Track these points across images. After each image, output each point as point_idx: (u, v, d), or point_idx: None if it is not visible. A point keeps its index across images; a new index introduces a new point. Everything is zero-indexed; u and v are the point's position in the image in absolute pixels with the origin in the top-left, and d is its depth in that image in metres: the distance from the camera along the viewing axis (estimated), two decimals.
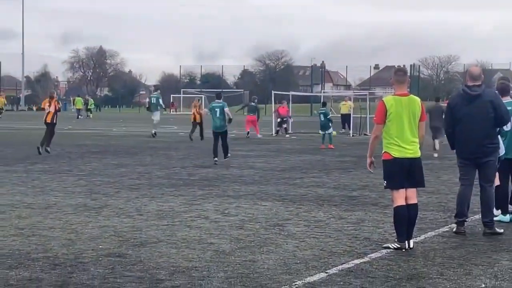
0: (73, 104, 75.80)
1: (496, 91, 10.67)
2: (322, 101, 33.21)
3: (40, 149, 23.03)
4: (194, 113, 32.35)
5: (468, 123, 10.04)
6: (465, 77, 10.50)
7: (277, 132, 37.66)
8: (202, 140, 30.29)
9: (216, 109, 20.90)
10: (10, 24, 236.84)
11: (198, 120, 32.06)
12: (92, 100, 73.12)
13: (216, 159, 20.45)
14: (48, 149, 23.30)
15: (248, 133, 35.45)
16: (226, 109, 21.00)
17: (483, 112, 9.97)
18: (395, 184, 9.05)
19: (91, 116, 65.30)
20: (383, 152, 9.15)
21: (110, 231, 9.97)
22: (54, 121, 23.96)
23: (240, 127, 36.70)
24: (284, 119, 37.94)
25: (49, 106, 24.06)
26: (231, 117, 21.38)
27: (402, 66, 11.11)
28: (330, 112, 32.32)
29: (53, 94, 25.44)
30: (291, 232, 10.04)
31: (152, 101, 36.10)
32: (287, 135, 36.82)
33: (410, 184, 9.10)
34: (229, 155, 20.70)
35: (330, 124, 28.22)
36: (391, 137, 9.03)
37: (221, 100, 21.40)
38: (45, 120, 23.90)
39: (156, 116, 35.35)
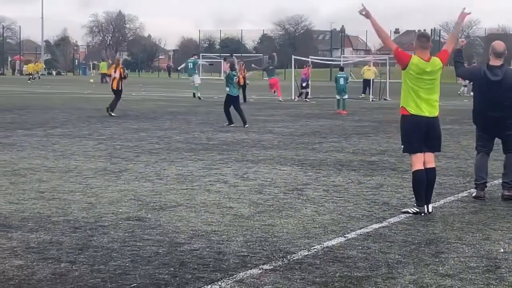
0: (93, 68, 75.87)
1: None
2: (340, 65, 32.81)
3: (111, 113, 24.29)
4: (239, 77, 33.36)
5: (487, 101, 9.94)
6: (488, 50, 10.27)
7: (300, 94, 37.46)
8: (245, 102, 32.01)
9: (233, 77, 22.08)
10: None
11: (242, 83, 33.02)
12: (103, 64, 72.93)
13: (233, 124, 21.20)
14: (112, 113, 24.35)
15: (276, 95, 36.60)
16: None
17: (502, 94, 9.86)
18: (413, 148, 9.01)
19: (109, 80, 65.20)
20: (400, 106, 9.09)
21: (130, 195, 10.02)
22: (120, 88, 25.13)
23: (257, 91, 36.65)
24: (305, 83, 37.59)
25: (114, 72, 25.25)
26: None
27: (424, 31, 11.03)
28: (350, 77, 32.29)
29: (119, 60, 26.54)
30: (310, 197, 10.06)
31: (190, 66, 38.70)
32: (307, 100, 36.72)
33: (428, 147, 9.06)
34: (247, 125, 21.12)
35: (346, 89, 28.14)
36: (409, 92, 8.96)
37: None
38: (112, 86, 25.20)
39: (196, 79, 37.91)
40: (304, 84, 37.43)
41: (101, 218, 8.51)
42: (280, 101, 35.21)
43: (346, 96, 28.10)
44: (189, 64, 38.89)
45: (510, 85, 9.85)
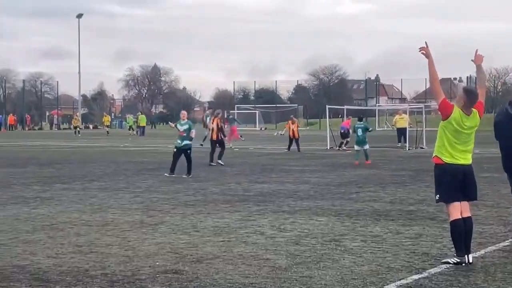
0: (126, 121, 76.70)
1: None
2: (358, 116, 31.28)
3: (212, 163, 25.70)
4: (293, 130, 36.26)
5: (510, 141, 9.84)
6: None
7: (340, 144, 37.58)
8: (299, 152, 34.73)
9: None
10: (67, 44, 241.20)
11: (297, 136, 36.23)
12: (131, 117, 74.37)
13: (173, 174, 21.37)
14: (220, 161, 25.89)
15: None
16: (193, 130, 22.29)
17: None
18: (449, 197, 8.88)
19: (133, 133, 66.33)
20: (433, 156, 9.00)
21: (167, 247, 10.01)
22: (220, 138, 26.50)
23: (281, 142, 36.76)
24: (343, 130, 37.70)
25: (212, 123, 26.85)
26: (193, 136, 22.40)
27: (471, 86, 10.91)
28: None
29: (218, 113, 27.86)
30: (347, 248, 9.96)
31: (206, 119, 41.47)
32: (345, 149, 36.88)
33: (464, 196, 8.94)
34: (190, 175, 21.40)
35: (366, 139, 27.45)
36: (443, 144, 8.88)
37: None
38: (211, 137, 26.53)
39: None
40: (342, 131, 37.45)
41: (139, 271, 8.49)
42: (230, 147, 37.57)
43: (366, 146, 27.19)
44: (206, 118, 41.26)
45: None
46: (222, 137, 26.78)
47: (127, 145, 44.76)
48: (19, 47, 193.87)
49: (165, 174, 21.20)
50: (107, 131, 69.27)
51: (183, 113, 22.72)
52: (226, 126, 42.16)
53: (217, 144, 26.49)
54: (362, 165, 25.89)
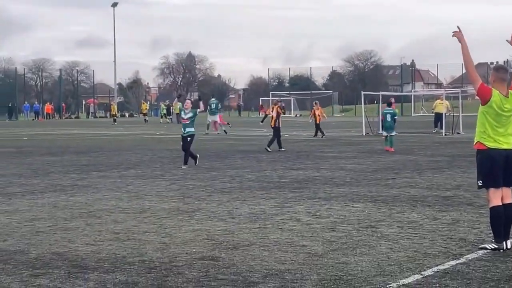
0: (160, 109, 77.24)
1: None
2: (388, 101, 30.39)
3: (281, 149, 26.67)
4: (318, 115, 37.20)
5: None
6: None
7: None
8: (323, 137, 35.75)
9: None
10: (102, 32, 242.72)
11: (320, 121, 37.51)
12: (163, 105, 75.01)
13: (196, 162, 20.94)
14: (268, 148, 26.62)
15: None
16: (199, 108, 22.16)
17: None
18: (491, 182, 8.79)
19: (168, 121, 66.88)
20: (475, 142, 8.91)
21: (203, 234, 10.05)
22: (277, 125, 27.45)
23: (325, 128, 36.70)
24: None
25: (272, 111, 28.07)
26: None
27: (501, 63, 10.80)
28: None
29: (277, 101, 29.40)
30: (384, 234, 9.92)
31: (213, 107, 42.73)
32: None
33: (505, 182, 8.85)
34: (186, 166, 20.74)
35: (394, 125, 27.10)
36: (485, 128, 8.79)
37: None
38: (270, 124, 27.68)
39: (213, 117, 42.82)
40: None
41: (176, 258, 8.54)
42: (219, 133, 40.59)
43: (393, 133, 26.96)
44: (212, 104, 42.46)
45: None
46: (279, 125, 27.34)
47: (162, 132, 44.98)
48: (55, 36, 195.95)
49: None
50: (145, 119, 69.70)
51: (187, 102, 21.78)
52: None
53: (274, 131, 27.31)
54: (397, 151, 25.73)
